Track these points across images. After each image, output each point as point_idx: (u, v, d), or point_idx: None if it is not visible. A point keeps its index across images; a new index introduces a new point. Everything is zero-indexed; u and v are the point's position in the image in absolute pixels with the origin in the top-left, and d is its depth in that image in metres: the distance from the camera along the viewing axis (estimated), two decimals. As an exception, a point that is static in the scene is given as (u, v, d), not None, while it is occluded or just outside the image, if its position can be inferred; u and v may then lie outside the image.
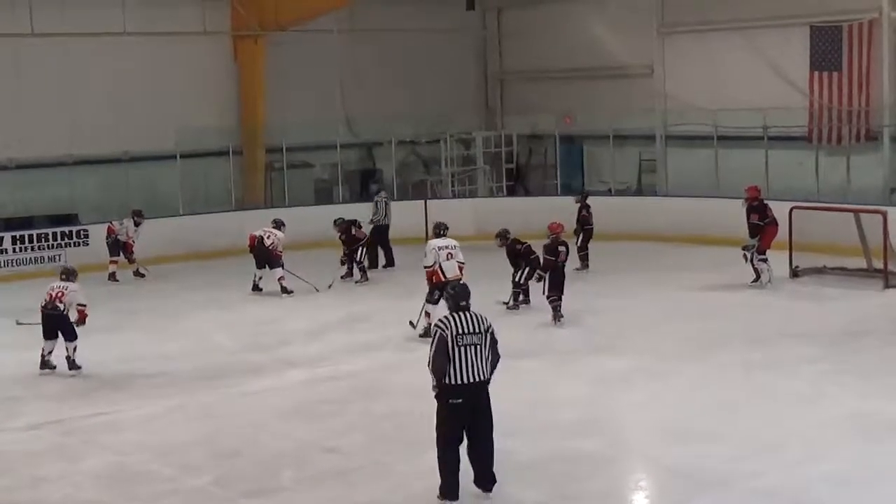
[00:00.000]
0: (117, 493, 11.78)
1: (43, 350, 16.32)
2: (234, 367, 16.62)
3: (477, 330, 10.99)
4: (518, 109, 31.97)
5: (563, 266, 18.59)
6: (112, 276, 23.38)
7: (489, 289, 19.02)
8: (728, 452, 12.20)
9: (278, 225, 22.17)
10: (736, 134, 26.33)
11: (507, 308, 19.29)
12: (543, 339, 17.51)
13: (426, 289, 18.34)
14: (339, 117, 29.77)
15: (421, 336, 17.38)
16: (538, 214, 24.46)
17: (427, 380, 15.35)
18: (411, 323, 18.05)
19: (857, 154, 25.31)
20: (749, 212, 20.64)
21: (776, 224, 20.65)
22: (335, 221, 22.63)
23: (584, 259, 22.90)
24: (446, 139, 30.29)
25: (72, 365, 16.20)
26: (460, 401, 10.92)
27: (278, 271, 21.60)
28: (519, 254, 19.58)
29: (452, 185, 30.40)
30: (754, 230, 20.51)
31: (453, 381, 10.92)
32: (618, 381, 15.24)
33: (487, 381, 11.10)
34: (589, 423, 13.51)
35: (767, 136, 25.79)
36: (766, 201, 20.86)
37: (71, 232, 24.80)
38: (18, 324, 17.33)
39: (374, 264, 23.49)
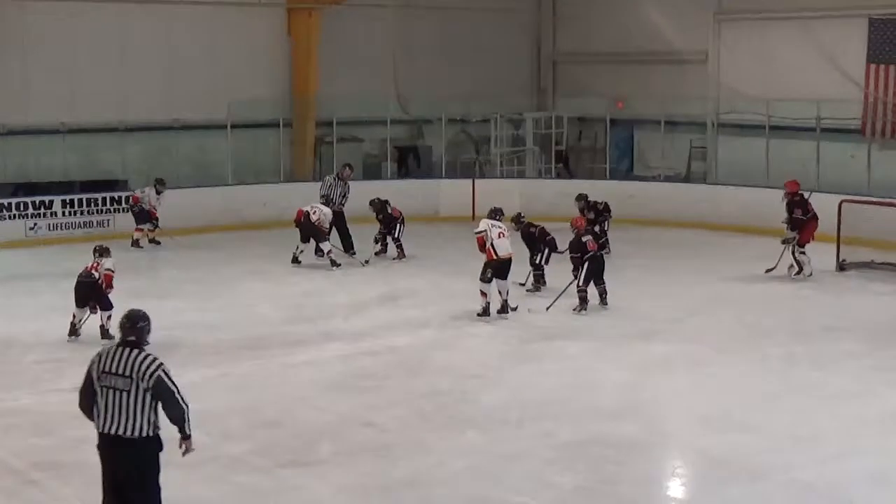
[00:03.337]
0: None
1: (73, 317, 16.54)
2: (277, 338, 16.70)
3: (123, 372, 9.11)
4: (570, 92, 31.85)
5: (598, 254, 18.39)
6: (135, 243, 23.56)
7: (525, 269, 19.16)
8: (766, 444, 12.18)
9: (327, 201, 22.24)
10: (788, 124, 26.15)
11: (527, 291, 19.29)
12: (586, 323, 17.50)
13: (472, 266, 18.39)
14: (390, 93, 29.77)
15: (479, 315, 17.51)
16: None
17: (469, 358, 15.45)
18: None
19: (911, 149, 25.12)
20: (791, 206, 20.50)
21: (817, 218, 20.49)
22: (371, 202, 22.51)
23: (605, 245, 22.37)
24: (496, 119, 30.24)
25: (104, 334, 16.25)
26: (100, 452, 9.19)
27: (326, 245, 21.68)
28: (533, 237, 19.65)
29: (501, 165, 30.36)
30: (797, 224, 20.38)
31: (97, 428, 9.17)
32: (659, 368, 15.23)
33: (133, 441, 9.05)
34: (629, 408, 13.52)
35: (820, 128, 25.60)
36: (805, 195, 20.68)
37: (120, 198, 24.95)
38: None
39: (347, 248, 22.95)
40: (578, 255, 18.23)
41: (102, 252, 16.88)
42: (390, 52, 29.92)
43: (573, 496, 10.95)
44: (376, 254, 22.47)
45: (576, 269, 18.27)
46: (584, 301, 18.07)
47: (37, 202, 24.40)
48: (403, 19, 30.07)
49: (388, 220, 22.54)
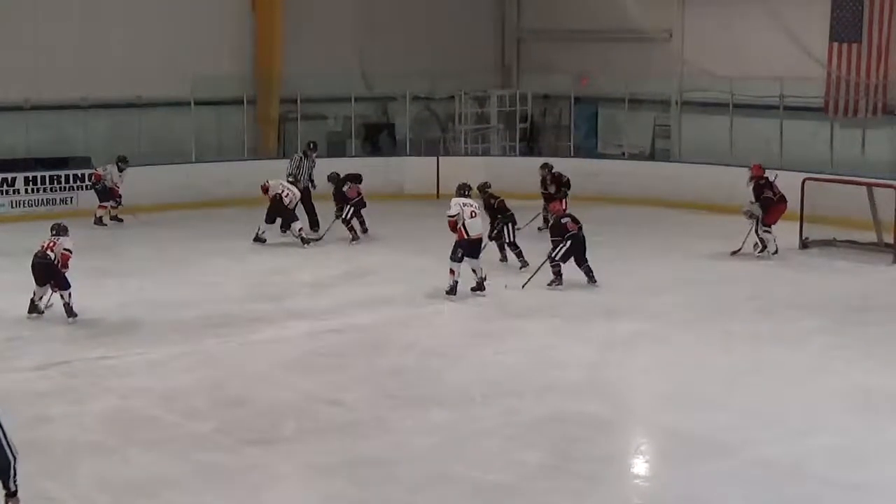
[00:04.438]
0: (121, 435, 11.87)
1: (34, 294, 16.36)
2: (240, 316, 16.65)
3: None
4: (534, 69, 31.79)
5: (579, 234, 18.35)
6: (99, 221, 23.45)
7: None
8: (729, 420, 12.25)
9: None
10: (752, 102, 26.22)
11: (521, 269, 19.19)
12: (551, 301, 17.50)
13: (437, 244, 18.37)
14: (355, 70, 29.65)
15: (447, 294, 17.42)
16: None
17: (434, 337, 15.50)
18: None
19: (873, 128, 25.17)
20: (759, 189, 20.57)
21: (785, 201, 20.58)
22: (328, 176, 22.46)
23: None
24: (461, 96, 30.20)
25: (69, 312, 16.15)
26: None
27: (297, 224, 21.66)
28: (492, 209, 19.70)
29: (465, 143, 30.33)
30: (767, 203, 20.44)
31: None
32: (623, 346, 15.28)
33: None
34: (593, 386, 13.57)
35: (783, 106, 25.68)
36: (771, 178, 20.72)
37: (83, 175, 24.76)
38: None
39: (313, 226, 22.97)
40: (559, 237, 18.31)
41: (60, 230, 16.70)
42: (355, 28, 29.76)
43: (538, 473, 10.97)
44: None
45: (554, 250, 18.37)
46: (558, 275, 18.12)
47: (-1, 179, 24.24)
48: (368, -6, 29.98)
49: (338, 199, 22.24)
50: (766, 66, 26.04)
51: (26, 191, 24.38)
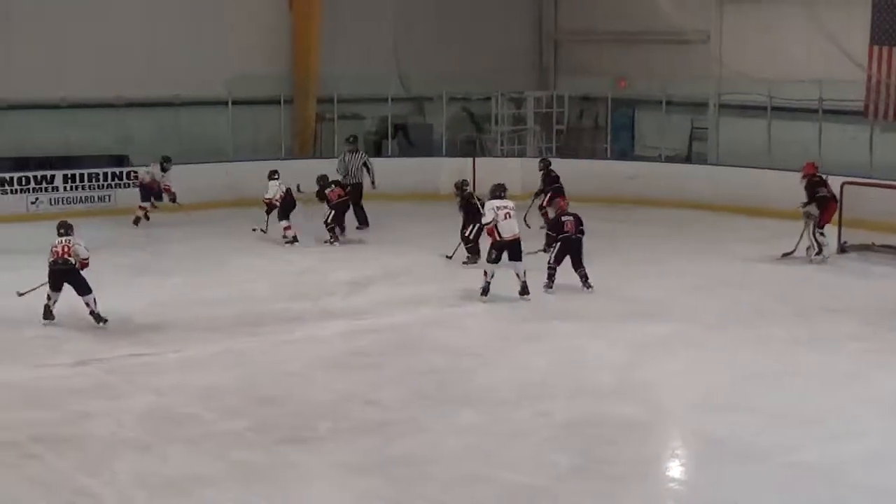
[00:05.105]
0: (158, 433, 11.94)
1: (48, 298, 15.99)
2: (275, 315, 16.71)
3: None
4: (571, 71, 31.79)
5: (575, 237, 18.13)
6: (136, 221, 23.53)
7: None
8: (764, 424, 12.21)
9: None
10: (790, 105, 26.08)
11: (462, 263, 19.66)
12: (586, 302, 17.48)
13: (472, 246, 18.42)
14: (392, 71, 29.71)
15: (481, 295, 17.36)
16: (586, 177, 24.51)
17: (468, 337, 15.54)
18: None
19: (913, 131, 25.07)
20: (813, 186, 20.49)
21: (836, 199, 20.53)
22: (317, 178, 22.42)
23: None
24: (497, 97, 30.21)
25: (97, 318, 15.87)
26: None
27: (285, 222, 21.93)
28: (470, 209, 19.86)
29: (501, 144, 30.33)
30: (822, 202, 20.37)
31: None
32: (657, 348, 15.24)
33: None
34: (626, 388, 13.54)
35: (822, 109, 25.55)
36: (823, 177, 20.70)
37: (121, 173, 24.98)
38: (20, 294, 16.47)
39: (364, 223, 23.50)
40: (554, 233, 18.33)
41: (68, 229, 16.29)
42: (392, 28, 29.83)
43: (569, 475, 10.97)
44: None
45: (548, 246, 18.64)
46: (550, 278, 18.03)
47: (38, 177, 24.47)
48: (405, -4, 30.03)
49: (321, 200, 22.27)
50: (805, 69, 25.90)
51: (65, 188, 24.58)
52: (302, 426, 12.20)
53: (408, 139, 30.06)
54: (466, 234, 19.85)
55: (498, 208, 17.48)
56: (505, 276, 17.52)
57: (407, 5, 30.02)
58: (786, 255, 20.45)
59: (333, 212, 22.05)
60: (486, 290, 17.45)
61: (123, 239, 22.03)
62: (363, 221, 23.44)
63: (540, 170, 23.26)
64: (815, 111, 25.53)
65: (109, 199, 24.72)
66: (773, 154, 26.00)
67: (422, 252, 21.14)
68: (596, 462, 11.27)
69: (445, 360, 14.63)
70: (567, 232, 18.12)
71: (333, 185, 22.25)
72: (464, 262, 19.86)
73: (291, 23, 28.64)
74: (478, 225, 19.38)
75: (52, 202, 24.41)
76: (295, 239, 21.76)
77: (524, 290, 17.48)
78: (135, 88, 26.01)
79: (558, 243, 18.13)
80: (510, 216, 17.43)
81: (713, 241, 22.49)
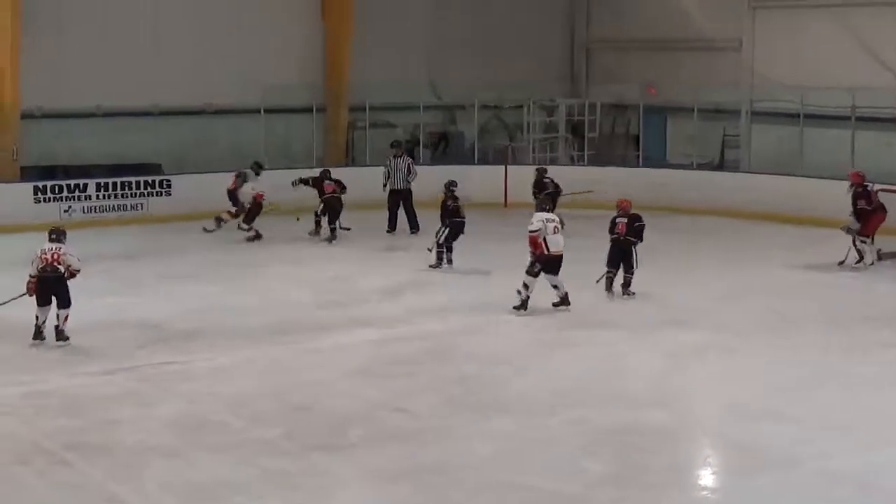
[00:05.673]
0: (188, 440, 11.95)
1: (37, 318, 15.21)
2: (307, 322, 16.73)
3: None
4: (603, 78, 31.75)
5: (623, 238, 18.11)
6: (217, 221, 23.72)
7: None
8: (797, 432, 12.15)
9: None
10: (823, 113, 25.95)
11: (430, 267, 19.97)
12: (619, 309, 17.43)
13: (503, 252, 18.29)
14: (423, 78, 29.74)
15: (515, 308, 17.10)
16: (617, 185, 24.42)
17: (500, 345, 15.49)
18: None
19: (946, 138, 24.92)
20: (856, 197, 20.42)
21: (885, 210, 20.43)
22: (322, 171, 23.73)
23: None
24: (529, 105, 30.19)
25: (60, 335, 15.20)
26: None
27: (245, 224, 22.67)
28: (445, 210, 20.09)
29: (533, 152, 30.30)
30: (861, 214, 20.29)
31: None
32: (691, 356, 15.18)
33: None
34: (659, 396, 13.49)
35: (855, 117, 25.43)
36: (869, 186, 20.61)
37: (154, 182, 25.05)
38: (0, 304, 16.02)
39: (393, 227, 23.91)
40: (610, 233, 18.35)
41: (60, 236, 15.50)
42: (423, 37, 29.86)
43: (602, 483, 10.93)
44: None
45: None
46: (608, 282, 18.08)
47: (71, 185, 24.54)
48: (437, 4, 29.99)
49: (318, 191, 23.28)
50: (837, 76, 25.79)
51: (97, 196, 24.67)
52: (333, 434, 12.19)
53: (446, 148, 30.13)
54: (437, 238, 20.08)
55: (547, 220, 17.18)
56: (536, 284, 17.48)
57: (439, 14, 30.04)
58: (840, 263, 20.37)
59: (322, 204, 22.79)
60: (524, 305, 17.08)
61: (154, 246, 22.07)
62: (414, 226, 23.64)
63: (535, 177, 23.63)
64: (848, 118, 25.40)
65: (142, 208, 24.79)
66: (805, 161, 25.88)
67: (453, 259, 21.06)
68: (629, 470, 11.23)
69: (477, 368, 14.60)
70: (617, 234, 18.13)
71: (328, 180, 23.10)
72: (430, 265, 20.08)
73: (324, 31, 28.71)
74: (448, 229, 19.89)
75: (85, 210, 24.49)
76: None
77: (563, 302, 17.24)
78: (169, 97, 26.13)
79: (609, 245, 18.15)
80: (558, 230, 17.13)
81: (745, 248, 22.40)
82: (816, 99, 25.84)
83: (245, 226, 22.86)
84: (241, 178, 23.54)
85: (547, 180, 23.51)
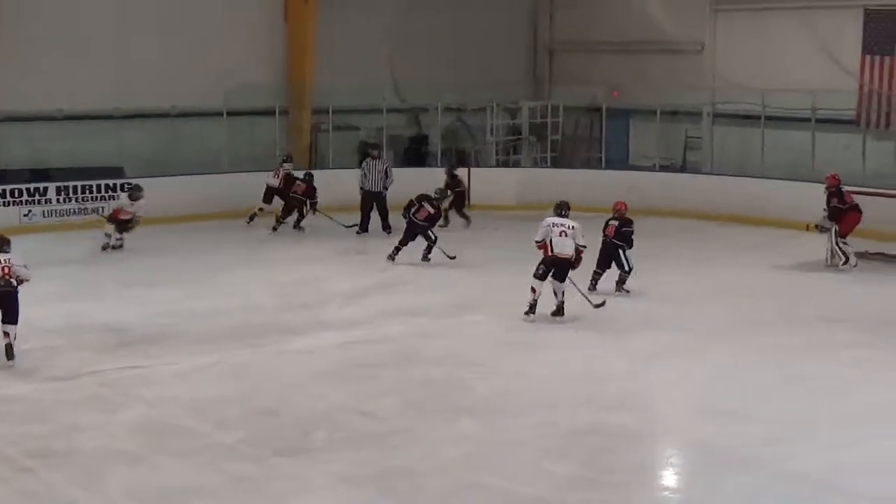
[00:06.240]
0: (151, 445, 11.87)
1: (6, 336, 14.49)
2: (271, 326, 16.67)
3: None
4: (566, 81, 31.82)
5: (609, 241, 18.36)
6: (251, 217, 24.64)
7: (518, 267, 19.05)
8: (760, 433, 12.18)
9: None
10: (784, 115, 26.13)
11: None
12: (582, 312, 17.42)
13: (466, 255, 18.29)
14: (387, 81, 29.71)
15: (525, 313, 16.84)
16: (580, 187, 24.49)
17: (467, 347, 15.48)
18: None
19: (906, 140, 25.11)
20: (830, 196, 20.64)
21: (860, 211, 20.59)
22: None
23: (446, 219, 24.10)
24: (493, 108, 30.23)
25: (9, 352, 14.46)
26: None
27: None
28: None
29: (497, 154, 30.34)
30: (835, 213, 20.45)
31: None
32: (656, 358, 15.22)
33: None
34: (625, 397, 13.51)
35: (815, 119, 25.59)
36: (843, 188, 20.82)
37: (115, 185, 24.90)
38: None
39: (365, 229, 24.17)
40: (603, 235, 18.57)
41: (4, 245, 14.77)
42: (387, 39, 29.80)
43: (568, 485, 10.92)
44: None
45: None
46: (592, 282, 18.33)
47: (31, 189, 24.35)
48: (401, 6, 29.94)
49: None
50: (799, 79, 25.96)
51: (58, 200, 24.50)
52: (297, 437, 12.15)
53: (420, 151, 30.22)
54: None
55: (553, 225, 16.95)
56: (502, 285, 17.51)
57: (402, 16, 30.00)
58: (841, 265, 20.59)
59: (285, 202, 23.80)
60: (531, 309, 16.80)
61: (119, 251, 21.95)
62: (387, 226, 23.85)
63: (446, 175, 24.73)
64: (809, 120, 25.59)
65: (103, 212, 24.62)
66: (766, 163, 26.04)
67: (418, 262, 21.08)
68: (595, 471, 11.23)
69: (442, 371, 14.58)
70: (606, 235, 18.35)
71: (305, 182, 24.09)
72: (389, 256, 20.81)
73: (287, 33, 28.64)
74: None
75: (46, 214, 24.33)
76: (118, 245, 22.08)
77: (558, 311, 16.96)
78: (131, 100, 25.98)
79: (600, 246, 18.34)
80: (565, 235, 16.82)
81: (709, 250, 22.52)
82: (777, 101, 26.02)
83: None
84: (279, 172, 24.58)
85: (457, 176, 24.72)
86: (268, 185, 24.69)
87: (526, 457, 11.58)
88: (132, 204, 22.33)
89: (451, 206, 24.24)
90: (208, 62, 27.02)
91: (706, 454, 11.84)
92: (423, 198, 21.01)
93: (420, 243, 20.91)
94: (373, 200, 23.95)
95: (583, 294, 17.34)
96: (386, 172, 24.21)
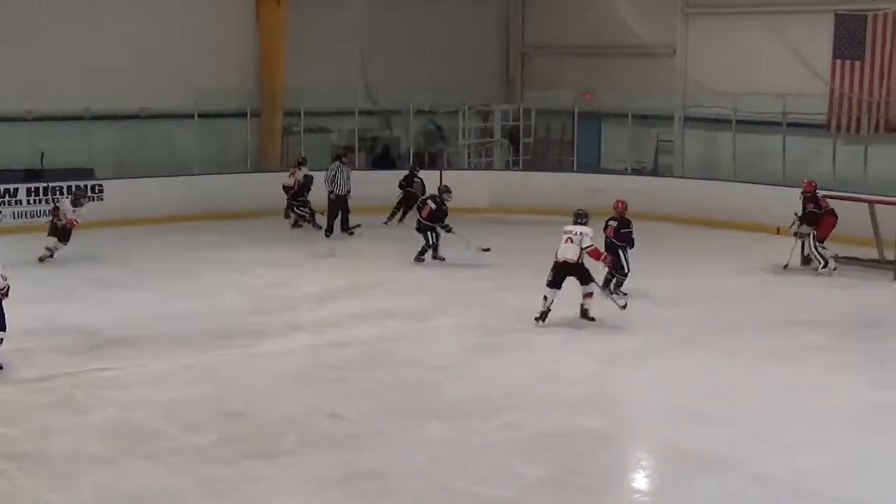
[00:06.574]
0: (122, 448, 11.86)
1: None
2: (242, 328, 16.65)
3: None
4: (538, 84, 31.90)
5: (609, 241, 18.30)
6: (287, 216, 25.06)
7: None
8: (729, 436, 12.26)
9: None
10: (754, 118, 26.26)
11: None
12: (552, 315, 17.38)
13: (438, 260, 18.31)
14: (359, 84, 29.71)
15: (535, 319, 16.77)
16: (552, 190, 24.56)
17: (436, 350, 15.47)
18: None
19: (876, 144, 25.22)
20: (805, 202, 20.75)
21: (835, 216, 20.71)
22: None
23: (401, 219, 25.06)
24: (464, 111, 30.28)
25: None
26: None
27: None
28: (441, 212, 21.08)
29: (468, 157, 30.39)
30: (811, 218, 20.57)
31: None
32: (625, 361, 15.29)
33: None
34: (594, 400, 13.57)
35: (786, 123, 25.73)
36: (818, 193, 20.91)
37: (86, 186, 24.76)
38: None
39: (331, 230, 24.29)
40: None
41: None
42: (359, 41, 29.82)
43: (538, 488, 10.97)
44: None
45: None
46: (606, 282, 18.28)
47: (1, 190, 24.25)
48: (372, 9, 29.95)
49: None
50: (769, 83, 26.12)
51: (28, 202, 24.40)
52: (267, 440, 12.15)
53: (387, 154, 30.30)
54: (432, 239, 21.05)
55: (564, 232, 16.95)
56: (472, 289, 17.53)
57: (374, 19, 30.01)
58: (785, 267, 20.76)
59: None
60: (542, 316, 16.75)
61: (90, 252, 21.85)
62: (348, 228, 24.14)
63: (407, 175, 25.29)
64: (779, 124, 25.73)
65: (74, 213, 24.53)
66: (737, 166, 26.16)
67: (391, 265, 21.13)
68: (564, 474, 11.28)
69: (412, 374, 14.61)
70: (606, 236, 18.33)
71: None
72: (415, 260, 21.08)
73: (258, 35, 28.61)
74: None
75: (16, 216, 24.23)
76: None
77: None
78: (101, 102, 25.88)
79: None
80: (571, 241, 16.77)
81: (680, 253, 22.60)
82: (748, 105, 26.15)
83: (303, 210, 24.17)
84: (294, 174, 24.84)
85: (417, 180, 24.80)
86: (284, 186, 24.95)
87: (496, 460, 11.61)
88: (74, 210, 21.39)
89: (400, 206, 24.82)
90: (179, 64, 26.95)
91: (676, 457, 11.91)
92: (428, 196, 21.25)
93: (449, 240, 21.26)
94: (340, 204, 23.98)
95: (609, 297, 17.44)
96: (348, 176, 24.31)
